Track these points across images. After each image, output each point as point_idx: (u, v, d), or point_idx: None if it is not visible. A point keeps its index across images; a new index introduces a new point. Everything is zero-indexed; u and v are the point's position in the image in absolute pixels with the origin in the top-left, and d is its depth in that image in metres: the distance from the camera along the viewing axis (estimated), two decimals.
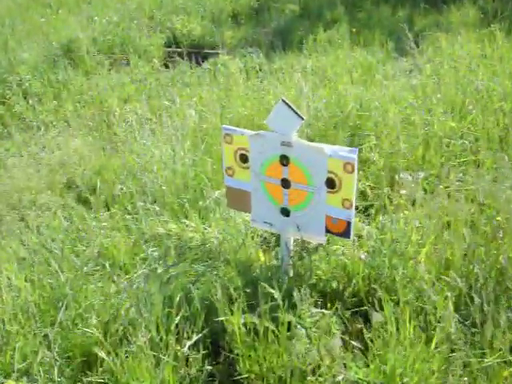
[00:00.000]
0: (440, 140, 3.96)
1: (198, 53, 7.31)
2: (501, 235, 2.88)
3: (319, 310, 2.43)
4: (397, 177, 3.67)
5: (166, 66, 6.89)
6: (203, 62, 6.86)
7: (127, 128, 4.79)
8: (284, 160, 2.65)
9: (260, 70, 6.32)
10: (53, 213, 3.67)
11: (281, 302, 2.33)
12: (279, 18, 8.29)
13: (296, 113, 2.51)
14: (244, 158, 2.79)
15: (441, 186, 3.44)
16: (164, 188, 3.64)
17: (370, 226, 3.25)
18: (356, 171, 2.49)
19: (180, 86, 5.91)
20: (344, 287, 2.83)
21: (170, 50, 7.58)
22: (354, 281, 2.82)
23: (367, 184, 3.68)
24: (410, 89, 5.09)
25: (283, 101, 2.54)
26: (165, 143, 4.21)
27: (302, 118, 2.52)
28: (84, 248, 3.15)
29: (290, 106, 2.52)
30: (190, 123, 4.49)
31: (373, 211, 3.40)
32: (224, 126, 2.82)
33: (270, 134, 2.67)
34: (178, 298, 2.49)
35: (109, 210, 3.70)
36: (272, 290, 2.33)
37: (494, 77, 5.20)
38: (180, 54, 7.05)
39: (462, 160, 3.94)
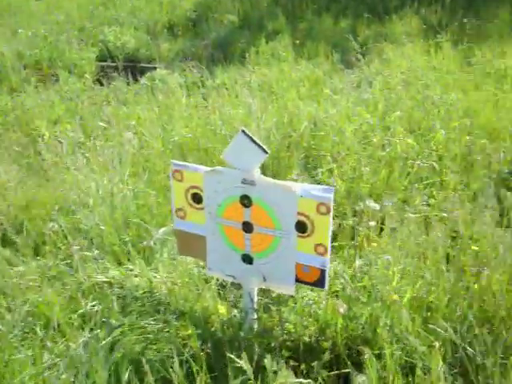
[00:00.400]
0: (404, 162, 3.68)
1: (134, 67, 6.83)
2: (485, 271, 2.59)
3: (296, 379, 2.05)
4: (362, 204, 3.35)
5: (100, 83, 6.34)
6: (140, 77, 6.40)
7: (58, 154, 4.28)
8: (245, 200, 2.27)
9: (202, 85, 5.93)
10: None
11: (252, 376, 1.95)
12: (218, 29, 7.92)
13: (259, 146, 2.14)
14: (197, 198, 2.39)
15: (411, 215, 3.15)
16: (102, 227, 3.19)
17: (336, 261, 2.91)
18: (331, 213, 2.14)
19: (115, 105, 5.41)
20: (317, 340, 2.46)
21: (103, 64, 7.06)
22: (328, 333, 2.46)
23: None
24: (362, 103, 4.82)
25: (243, 132, 2.16)
26: (101, 172, 3.74)
27: (266, 152, 2.15)
28: (9, 307, 2.66)
29: (251, 139, 2.15)
30: (128, 148, 4.03)
31: (336, 244, 3.08)
32: (173, 161, 2.40)
33: (228, 170, 2.28)
34: (126, 374, 2.06)
35: (38, 254, 3.21)
36: (241, 362, 1.94)
37: (447, 90, 5.02)
38: (115, 69, 6.56)
39: (427, 182, 3.68)
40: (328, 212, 2.13)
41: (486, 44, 6.38)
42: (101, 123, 4.86)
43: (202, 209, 2.40)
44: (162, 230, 3.12)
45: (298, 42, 7.05)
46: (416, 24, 7.45)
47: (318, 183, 3.66)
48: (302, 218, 2.18)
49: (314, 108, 4.51)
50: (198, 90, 5.71)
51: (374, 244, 2.98)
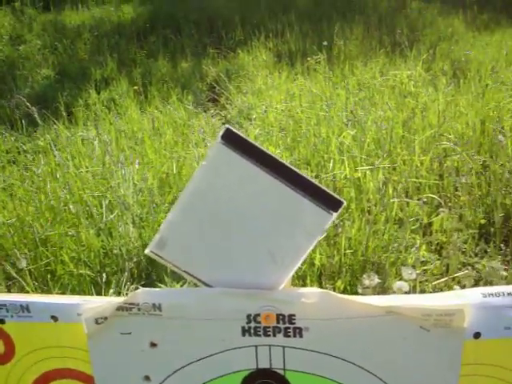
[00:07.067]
0: None
1: None
2: None
3: None
4: None
5: None
6: None
7: None
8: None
9: (19, 152, 4.32)
10: None
11: None
12: (32, 84, 6.28)
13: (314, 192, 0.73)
14: None
15: None
16: None
17: None
18: None
19: None
20: None
21: None
22: None
23: None
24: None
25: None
26: None
27: (337, 209, 0.74)
28: None
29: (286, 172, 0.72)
30: None
31: None
32: None
33: (198, 293, 0.83)
34: None
35: None
36: None
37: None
38: None
39: None
40: None
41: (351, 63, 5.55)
42: None
43: None
44: None
45: (136, 88, 5.68)
46: (267, 56, 6.47)
47: None
48: None
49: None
50: (15, 158, 4.09)
51: None
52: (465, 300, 0.83)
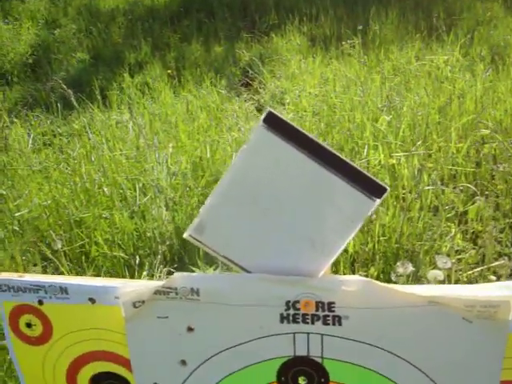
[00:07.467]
0: None
1: None
2: None
3: None
4: None
5: None
6: None
7: None
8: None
9: (54, 135, 4.37)
10: None
11: None
12: (68, 68, 6.35)
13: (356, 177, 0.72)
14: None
15: None
16: None
17: None
18: None
19: None
20: None
21: None
22: None
23: None
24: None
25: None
26: None
27: (380, 195, 0.73)
28: None
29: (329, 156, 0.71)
30: None
31: None
32: None
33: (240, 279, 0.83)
34: None
35: None
36: None
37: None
38: None
39: None
40: None
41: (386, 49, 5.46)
42: None
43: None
44: None
45: (170, 72, 5.69)
46: (301, 41, 6.40)
47: None
48: None
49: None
50: (51, 140, 4.15)
51: None
52: (510, 292, 0.81)
